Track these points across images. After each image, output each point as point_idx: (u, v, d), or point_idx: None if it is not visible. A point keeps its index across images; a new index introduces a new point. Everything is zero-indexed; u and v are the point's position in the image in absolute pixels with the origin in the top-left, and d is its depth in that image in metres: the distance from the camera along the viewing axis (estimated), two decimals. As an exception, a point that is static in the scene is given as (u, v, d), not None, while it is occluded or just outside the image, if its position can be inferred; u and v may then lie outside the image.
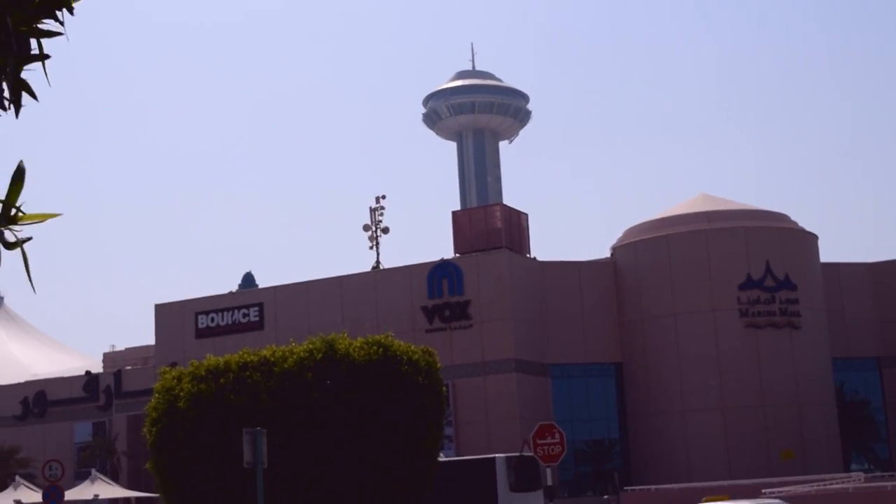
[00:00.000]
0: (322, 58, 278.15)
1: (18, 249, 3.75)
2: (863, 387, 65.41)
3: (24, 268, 3.75)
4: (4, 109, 3.73)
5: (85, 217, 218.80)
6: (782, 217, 63.72)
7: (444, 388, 24.32)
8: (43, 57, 3.71)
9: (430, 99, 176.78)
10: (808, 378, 59.67)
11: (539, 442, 26.54)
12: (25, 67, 3.70)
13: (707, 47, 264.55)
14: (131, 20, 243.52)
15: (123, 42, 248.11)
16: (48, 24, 3.82)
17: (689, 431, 58.79)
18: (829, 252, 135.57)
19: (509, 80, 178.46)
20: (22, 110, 3.84)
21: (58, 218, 3.89)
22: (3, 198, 3.75)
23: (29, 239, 3.76)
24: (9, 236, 3.75)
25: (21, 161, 3.82)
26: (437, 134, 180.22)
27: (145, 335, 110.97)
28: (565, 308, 60.91)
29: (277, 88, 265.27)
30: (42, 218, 3.78)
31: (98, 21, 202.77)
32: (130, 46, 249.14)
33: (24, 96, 3.77)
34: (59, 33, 3.84)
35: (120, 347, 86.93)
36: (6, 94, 3.72)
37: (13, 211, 3.72)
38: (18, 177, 3.71)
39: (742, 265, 59.54)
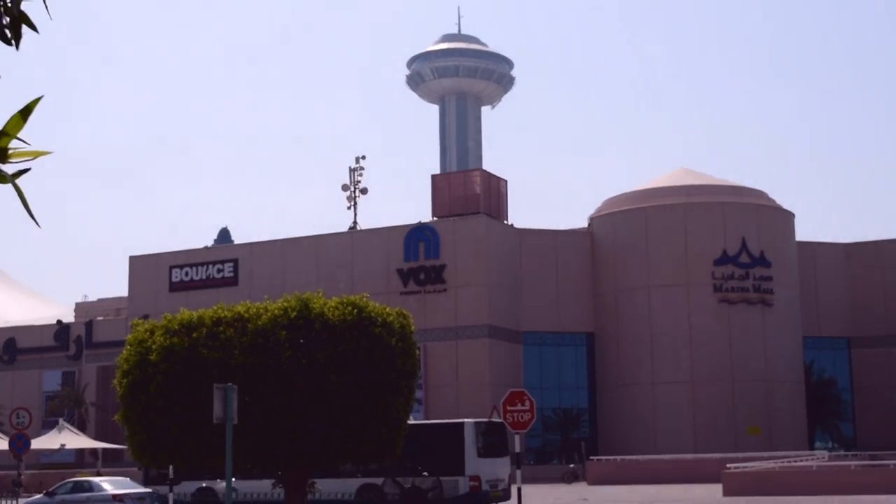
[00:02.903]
0: (308, 15, 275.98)
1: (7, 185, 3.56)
2: (831, 366, 65.95)
3: (20, 203, 3.55)
4: (7, 42, 3.57)
5: (63, 164, 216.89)
6: (760, 194, 63.87)
7: (417, 352, 24.28)
8: None
9: (415, 61, 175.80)
10: (777, 355, 60.10)
11: (509, 408, 26.61)
12: None
13: (694, 19, 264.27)
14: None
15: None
16: None
17: (658, 404, 59.15)
18: (806, 230, 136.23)
19: (495, 45, 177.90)
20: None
21: (35, 162, 3.69)
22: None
23: (27, 170, 3.58)
24: (7, 169, 3.55)
25: (41, 96, 3.66)
26: (421, 96, 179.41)
27: (119, 286, 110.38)
28: (540, 276, 60.98)
29: (260, 43, 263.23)
30: (33, 155, 3.60)
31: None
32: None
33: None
34: None
35: (92, 298, 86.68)
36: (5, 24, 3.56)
37: (10, 143, 3.51)
38: (27, 110, 3.53)
39: (718, 241, 59.74)
